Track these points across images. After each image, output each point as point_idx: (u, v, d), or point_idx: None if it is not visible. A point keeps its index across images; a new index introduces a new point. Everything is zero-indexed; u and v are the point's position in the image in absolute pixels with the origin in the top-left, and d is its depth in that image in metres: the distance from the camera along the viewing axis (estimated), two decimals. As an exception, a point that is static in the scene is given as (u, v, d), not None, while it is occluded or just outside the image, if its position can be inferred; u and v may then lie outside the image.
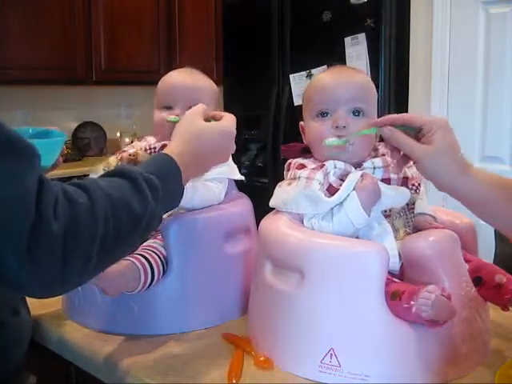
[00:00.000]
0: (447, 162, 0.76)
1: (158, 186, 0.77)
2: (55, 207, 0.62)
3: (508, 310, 0.89)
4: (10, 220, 0.58)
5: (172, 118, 1.06)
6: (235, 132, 0.92)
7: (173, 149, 0.85)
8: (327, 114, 0.91)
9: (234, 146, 0.93)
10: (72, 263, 0.64)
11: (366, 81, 0.94)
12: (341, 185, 0.87)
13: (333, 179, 0.87)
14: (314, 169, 0.88)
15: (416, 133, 0.79)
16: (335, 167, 0.88)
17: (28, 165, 0.62)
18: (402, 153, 0.81)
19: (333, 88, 0.91)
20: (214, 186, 1.06)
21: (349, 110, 0.90)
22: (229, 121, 0.92)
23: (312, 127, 0.93)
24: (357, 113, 0.91)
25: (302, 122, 0.97)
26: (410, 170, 0.90)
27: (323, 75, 0.96)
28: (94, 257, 0.66)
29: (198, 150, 0.87)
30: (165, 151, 0.84)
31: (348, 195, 0.85)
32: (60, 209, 0.63)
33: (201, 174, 0.94)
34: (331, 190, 0.87)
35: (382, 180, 0.88)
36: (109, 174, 0.77)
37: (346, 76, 0.93)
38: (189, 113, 0.92)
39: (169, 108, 1.10)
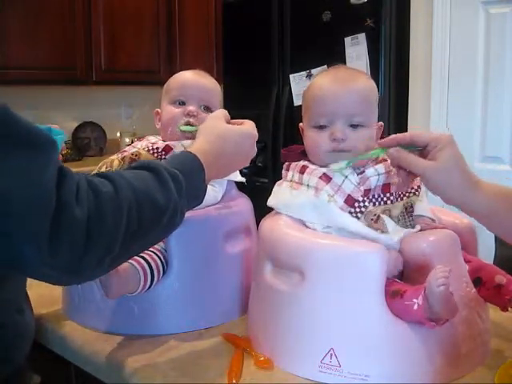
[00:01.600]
0: (454, 176, 0.77)
1: (182, 181, 0.77)
2: (77, 194, 0.63)
3: (507, 310, 0.89)
4: (30, 211, 0.59)
5: (187, 127, 1.07)
6: (257, 136, 0.93)
7: (197, 147, 0.86)
8: (325, 125, 0.91)
9: (256, 150, 0.94)
10: (94, 251, 0.64)
11: (366, 88, 0.92)
12: (361, 195, 0.86)
13: (350, 189, 0.87)
14: (320, 178, 0.88)
15: (421, 151, 0.80)
16: (346, 177, 0.87)
17: (47, 157, 0.62)
18: (407, 171, 0.81)
19: (331, 101, 0.90)
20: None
21: (347, 122, 0.90)
22: (250, 125, 0.93)
23: (310, 137, 0.93)
24: (355, 125, 0.90)
25: (301, 124, 0.97)
26: None
27: (322, 81, 0.94)
28: (116, 246, 0.67)
29: (221, 151, 0.88)
30: (189, 149, 0.85)
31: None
32: (83, 196, 0.63)
33: (222, 175, 0.94)
34: (349, 202, 0.86)
35: (383, 186, 0.88)
36: (133, 167, 0.78)
37: (346, 84, 0.91)
38: (212, 115, 0.94)
39: (181, 103, 1.11)
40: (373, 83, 0.94)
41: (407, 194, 0.90)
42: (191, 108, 1.10)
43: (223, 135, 0.89)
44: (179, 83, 1.14)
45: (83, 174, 0.67)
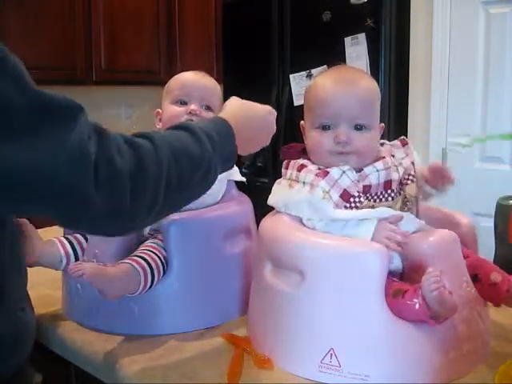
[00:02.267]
0: None
1: (216, 139, 0.82)
2: (118, 149, 0.67)
3: (500, 306, 0.90)
4: (69, 170, 0.63)
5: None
6: (276, 114, 0.97)
7: (228, 115, 0.89)
8: (329, 126, 0.90)
9: (275, 128, 0.97)
10: (141, 199, 0.69)
11: (369, 89, 0.92)
12: (358, 191, 0.86)
13: (347, 184, 0.87)
14: (317, 175, 0.88)
15: None
16: (344, 172, 0.87)
17: (74, 120, 0.66)
18: None
19: (336, 103, 0.89)
20: None
21: (351, 125, 0.90)
22: (268, 106, 0.97)
23: (313, 138, 0.92)
24: (359, 127, 0.90)
25: (302, 122, 0.97)
26: (404, 164, 0.92)
27: (325, 81, 0.93)
28: (160, 197, 0.71)
29: (247, 124, 0.91)
30: (219, 115, 0.89)
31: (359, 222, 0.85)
32: (123, 150, 0.68)
33: (247, 149, 0.94)
34: (345, 197, 0.86)
35: (385, 183, 0.88)
36: (169, 128, 0.83)
37: (349, 86, 0.90)
38: (233, 97, 0.98)
39: (183, 103, 1.12)
40: (375, 84, 0.94)
41: (402, 188, 0.91)
42: (193, 107, 1.10)
43: (248, 109, 0.94)
44: (181, 83, 1.14)
45: (121, 133, 0.72)
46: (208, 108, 1.12)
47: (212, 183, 0.83)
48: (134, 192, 0.68)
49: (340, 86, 0.91)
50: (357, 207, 0.86)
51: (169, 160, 0.73)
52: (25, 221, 0.98)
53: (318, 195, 0.86)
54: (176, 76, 1.17)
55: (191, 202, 0.84)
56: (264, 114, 0.95)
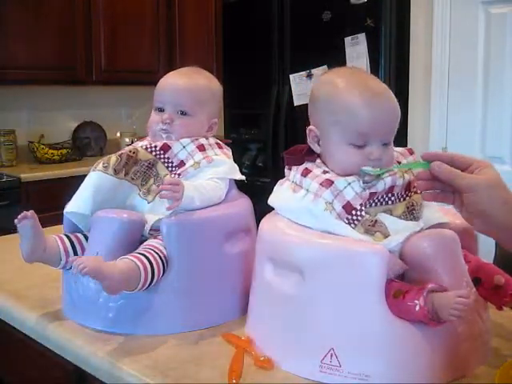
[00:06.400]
0: (501, 193, 0.79)
1: None
2: None
3: (502, 309, 0.90)
4: None
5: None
6: None
7: None
8: (363, 145, 0.88)
9: None
10: None
11: (398, 106, 0.90)
12: (360, 204, 0.85)
13: (351, 196, 0.85)
14: (322, 185, 0.87)
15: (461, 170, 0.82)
16: (349, 184, 0.86)
17: None
18: (443, 186, 0.82)
19: (377, 123, 0.86)
20: (215, 184, 1.06)
21: (382, 142, 0.88)
22: None
23: (345, 154, 0.89)
24: (386, 143, 0.89)
25: (312, 127, 0.92)
26: (414, 172, 0.91)
27: (354, 91, 0.88)
28: None
29: None
30: None
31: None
32: None
33: None
34: (348, 208, 0.85)
35: (389, 188, 0.87)
36: None
37: (387, 105, 0.88)
38: None
39: (161, 110, 1.10)
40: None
41: (409, 194, 0.90)
42: (165, 116, 1.09)
43: None
44: (158, 89, 1.12)
45: None
46: (182, 113, 1.09)
47: None
48: None
49: (375, 101, 0.87)
50: (358, 220, 0.85)
51: None
52: (35, 217, 0.95)
53: (321, 206, 0.86)
54: (161, 79, 1.14)
55: None
56: None
